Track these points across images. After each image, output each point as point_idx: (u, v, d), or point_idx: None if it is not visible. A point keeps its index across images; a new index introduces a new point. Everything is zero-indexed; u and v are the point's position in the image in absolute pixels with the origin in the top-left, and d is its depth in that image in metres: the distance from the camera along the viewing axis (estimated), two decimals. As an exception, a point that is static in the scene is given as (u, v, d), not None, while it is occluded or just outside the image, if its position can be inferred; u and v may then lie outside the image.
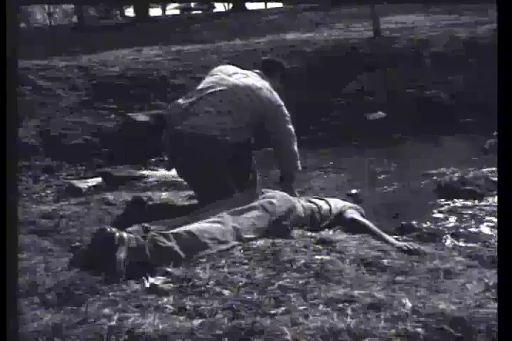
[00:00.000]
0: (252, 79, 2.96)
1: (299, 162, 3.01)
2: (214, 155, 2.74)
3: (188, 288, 1.86)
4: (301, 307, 1.66)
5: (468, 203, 3.59)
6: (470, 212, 3.41)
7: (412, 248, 2.32)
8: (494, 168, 4.14)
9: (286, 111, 2.96)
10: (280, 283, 1.84)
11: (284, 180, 3.04)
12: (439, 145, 5.96)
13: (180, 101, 2.90)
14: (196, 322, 1.61)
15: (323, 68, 8.02)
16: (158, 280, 1.92)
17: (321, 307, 1.66)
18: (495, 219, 3.12)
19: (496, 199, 3.49)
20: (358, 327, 1.51)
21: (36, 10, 27.48)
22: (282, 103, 2.95)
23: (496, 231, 2.86)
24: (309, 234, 2.45)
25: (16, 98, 1.49)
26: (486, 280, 1.87)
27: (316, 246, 2.25)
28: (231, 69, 3.08)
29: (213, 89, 2.83)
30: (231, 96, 2.82)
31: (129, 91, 7.49)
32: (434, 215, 3.39)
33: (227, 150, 2.79)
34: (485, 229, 3.04)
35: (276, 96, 2.95)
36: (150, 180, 5.29)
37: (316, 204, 2.81)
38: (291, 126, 2.96)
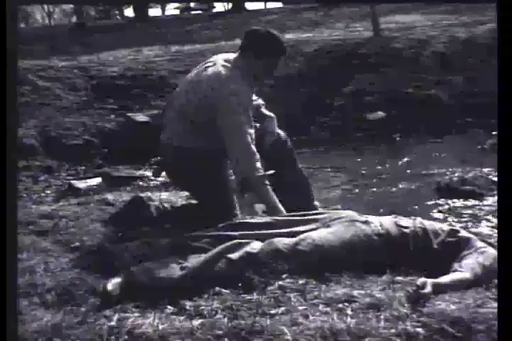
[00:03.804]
0: (212, 68, 2.58)
1: (254, 164, 2.43)
2: (180, 163, 2.68)
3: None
4: (301, 307, 1.66)
5: (468, 203, 3.59)
6: (470, 211, 3.41)
7: None
8: (494, 168, 4.14)
9: (240, 100, 2.44)
10: (280, 283, 1.83)
11: (241, 188, 2.52)
12: (438, 145, 5.95)
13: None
14: (196, 322, 1.61)
15: (323, 68, 8.01)
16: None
17: (320, 307, 1.66)
18: (495, 219, 3.12)
19: (495, 199, 3.49)
20: (357, 327, 1.51)
21: (35, 10, 27.47)
22: (237, 90, 2.45)
23: (495, 231, 2.85)
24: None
25: (16, 98, 1.49)
26: (486, 280, 1.87)
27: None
28: (209, 59, 2.76)
29: (175, 93, 2.80)
30: (180, 98, 2.66)
31: (128, 92, 7.48)
32: (434, 215, 3.39)
33: (190, 158, 2.62)
34: (485, 228, 3.03)
35: (232, 82, 2.46)
36: (150, 180, 5.29)
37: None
38: (242, 118, 2.43)
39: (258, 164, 2.46)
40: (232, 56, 2.64)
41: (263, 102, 2.89)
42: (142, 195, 3.23)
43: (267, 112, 2.83)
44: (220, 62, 2.60)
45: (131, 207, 2.94)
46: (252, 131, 2.48)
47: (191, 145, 2.62)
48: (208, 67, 2.63)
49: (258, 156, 2.47)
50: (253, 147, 2.46)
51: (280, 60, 2.63)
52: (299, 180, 2.87)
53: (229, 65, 2.56)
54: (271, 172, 2.52)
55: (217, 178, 2.69)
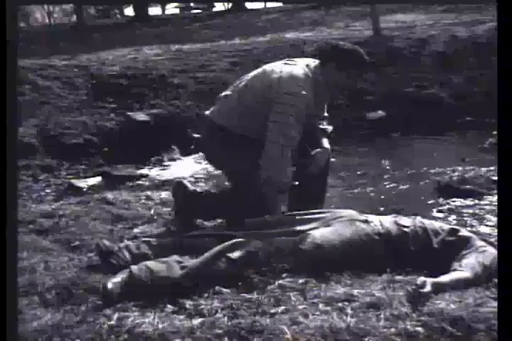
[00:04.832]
0: (291, 66, 2.56)
1: (285, 170, 2.43)
2: (217, 142, 2.65)
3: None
4: (300, 307, 1.66)
5: (468, 202, 3.59)
6: (470, 211, 3.41)
7: None
8: (494, 167, 4.14)
9: (295, 102, 2.41)
10: (280, 282, 1.83)
11: (264, 188, 2.46)
12: (438, 144, 5.96)
13: None
14: (196, 321, 1.61)
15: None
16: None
17: (320, 306, 1.66)
18: (495, 218, 3.12)
19: (495, 198, 3.49)
20: (357, 327, 1.51)
21: (36, 9, 27.46)
22: (300, 93, 2.42)
23: (495, 230, 2.85)
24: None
25: (16, 97, 1.49)
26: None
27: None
28: (293, 59, 2.72)
29: (244, 77, 2.74)
30: (247, 81, 2.64)
31: (128, 91, 7.48)
32: (434, 214, 3.39)
33: (230, 139, 2.59)
34: (485, 228, 3.03)
35: (297, 84, 2.44)
36: (150, 179, 5.29)
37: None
38: (291, 119, 2.40)
39: (288, 171, 2.45)
40: (313, 63, 2.64)
41: (330, 131, 2.82)
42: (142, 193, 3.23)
43: (326, 143, 2.73)
44: (301, 64, 2.61)
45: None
46: (297, 136, 2.46)
47: (232, 126, 2.59)
48: (288, 64, 2.61)
49: (291, 163, 2.47)
50: (290, 152, 2.44)
51: (362, 72, 2.67)
52: (320, 190, 2.80)
53: (307, 69, 2.56)
54: (296, 183, 2.50)
55: (247, 163, 2.58)
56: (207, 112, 2.75)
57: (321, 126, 2.77)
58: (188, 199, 2.73)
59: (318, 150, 2.64)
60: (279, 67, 2.58)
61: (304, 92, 2.45)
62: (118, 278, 1.86)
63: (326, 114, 2.85)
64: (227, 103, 2.66)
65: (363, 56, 2.60)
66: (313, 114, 2.63)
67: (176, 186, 2.83)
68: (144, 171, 5.61)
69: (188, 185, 2.81)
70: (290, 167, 2.46)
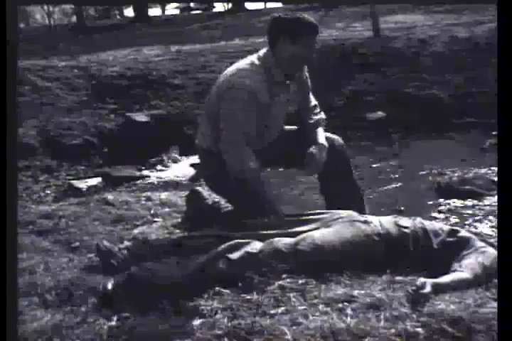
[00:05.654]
0: (239, 62, 2.43)
1: (244, 164, 2.30)
2: (206, 165, 2.60)
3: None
4: (300, 307, 1.66)
5: (468, 203, 3.59)
6: (470, 211, 3.41)
7: None
8: (494, 168, 4.14)
9: (239, 95, 2.26)
10: (280, 282, 1.83)
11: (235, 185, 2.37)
12: (438, 144, 5.96)
13: None
14: (196, 322, 1.61)
15: (323, 68, 8.01)
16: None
17: (320, 307, 1.66)
18: (495, 219, 3.12)
19: (495, 198, 3.49)
20: (357, 327, 1.50)
21: (35, 10, 27.48)
22: (243, 84, 2.26)
23: (496, 230, 2.85)
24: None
25: (16, 98, 1.49)
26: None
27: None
28: None
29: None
30: (209, 95, 2.52)
31: (128, 91, 7.49)
32: (434, 215, 3.39)
33: (212, 161, 2.47)
34: (485, 228, 3.03)
35: (239, 76, 2.30)
36: (150, 180, 5.30)
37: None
38: (239, 114, 2.27)
39: (249, 164, 2.30)
40: (262, 51, 2.44)
41: (323, 119, 2.71)
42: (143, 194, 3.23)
43: (321, 138, 2.58)
44: (249, 57, 2.44)
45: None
46: (249, 129, 2.32)
47: (212, 145, 2.46)
48: (238, 61, 2.47)
49: (250, 156, 2.32)
50: (245, 146, 2.31)
51: (314, 39, 2.44)
52: (353, 192, 2.68)
53: (254, 58, 2.39)
54: (268, 169, 2.40)
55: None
56: (196, 140, 2.63)
57: (310, 121, 2.64)
58: (204, 211, 2.66)
59: (312, 149, 2.47)
60: (229, 67, 2.46)
61: (247, 82, 2.27)
62: (118, 279, 1.87)
63: (314, 103, 2.73)
64: (202, 123, 2.56)
65: (311, 21, 2.43)
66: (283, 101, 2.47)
67: (192, 195, 2.78)
68: (144, 172, 5.62)
69: (206, 195, 2.72)
70: (251, 160, 2.32)
